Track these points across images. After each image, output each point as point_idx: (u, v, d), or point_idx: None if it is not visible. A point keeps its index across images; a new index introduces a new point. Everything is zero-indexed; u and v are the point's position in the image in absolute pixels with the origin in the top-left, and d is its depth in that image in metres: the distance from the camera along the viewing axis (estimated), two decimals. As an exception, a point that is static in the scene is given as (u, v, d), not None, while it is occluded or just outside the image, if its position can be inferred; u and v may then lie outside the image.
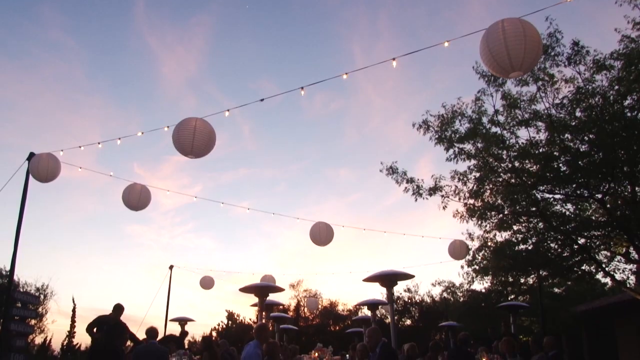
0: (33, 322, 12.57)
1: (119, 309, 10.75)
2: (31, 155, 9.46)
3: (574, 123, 10.69)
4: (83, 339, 22.07)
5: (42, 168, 9.31)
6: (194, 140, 7.83)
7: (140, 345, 10.47)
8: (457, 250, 12.90)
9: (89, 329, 10.49)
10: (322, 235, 12.11)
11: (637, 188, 10.98)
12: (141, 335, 12.64)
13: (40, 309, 20.41)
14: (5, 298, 9.29)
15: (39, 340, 19.31)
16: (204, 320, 47.11)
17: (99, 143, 10.05)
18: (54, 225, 40.13)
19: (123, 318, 10.84)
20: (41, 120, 32.24)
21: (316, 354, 8.02)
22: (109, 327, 10.20)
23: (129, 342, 11.72)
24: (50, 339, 19.46)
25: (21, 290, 17.55)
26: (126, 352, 10.78)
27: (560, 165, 11.03)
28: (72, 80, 29.70)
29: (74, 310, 21.71)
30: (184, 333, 13.08)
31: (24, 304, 9.28)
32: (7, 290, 9.46)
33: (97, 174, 17.96)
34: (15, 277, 15.76)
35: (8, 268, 9.53)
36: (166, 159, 35.26)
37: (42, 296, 21.25)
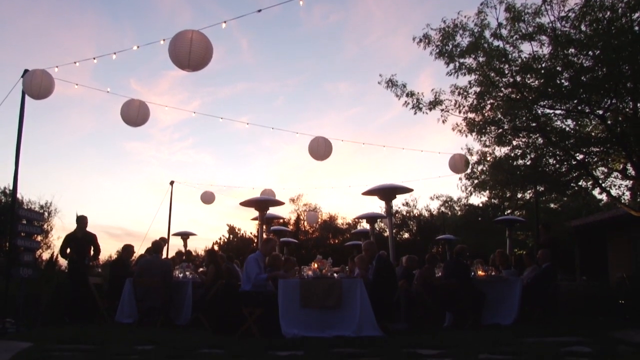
0: (39, 238, 12.81)
1: (81, 220, 10.55)
2: (26, 72, 9.30)
3: (578, 37, 10.42)
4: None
5: (35, 84, 9.17)
6: (190, 53, 7.71)
7: (144, 259, 10.77)
8: (458, 164, 12.90)
9: (62, 251, 10.44)
10: (320, 149, 12.10)
11: (639, 104, 10.88)
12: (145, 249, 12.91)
13: (45, 226, 20.79)
14: (10, 214, 9.44)
15: (46, 255, 19.81)
16: (206, 234, 48.29)
17: (94, 58, 9.86)
18: (54, 144, 40.17)
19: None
20: (35, 37, 31.47)
21: (316, 266, 8.24)
22: (77, 241, 10.22)
23: (134, 257, 12.03)
24: (57, 255, 19.98)
25: (25, 207, 17.81)
26: (131, 266, 11.08)
27: (563, 80, 10.87)
28: (62, -7, 28.65)
29: (78, 227, 22.14)
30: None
31: (29, 221, 9.43)
32: (11, 207, 9.60)
33: (94, 90, 17.77)
34: (19, 196, 15.95)
35: (11, 187, 9.60)
36: (163, 74, 34.77)
37: (46, 214, 21.58)
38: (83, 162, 43.44)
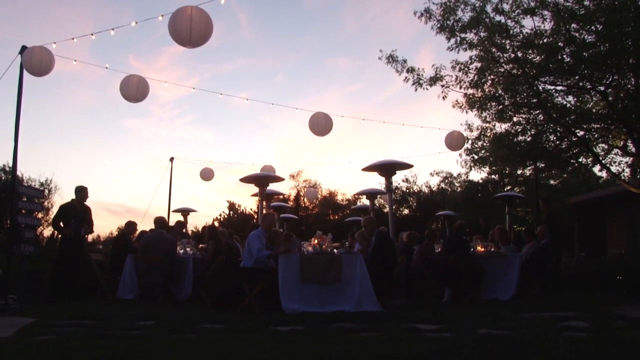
0: (40, 215, 12.79)
1: (80, 191, 9.97)
2: (23, 48, 9.20)
3: (581, 12, 10.31)
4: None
5: (35, 61, 9.10)
6: (191, 30, 7.66)
7: (148, 234, 10.80)
8: (454, 141, 12.85)
9: (54, 223, 9.94)
10: (321, 125, 12.03)
11: (640, 80, 10.83)
12: (145, 226, 12.90)
13: (46, 203, 20.87)
14: (11, 192, 9.43)
15: (47, 232, 19.89)
16: (206, 210, 48.49)
17: (92, 34, 9.78)
18: (53, 121, 40.11)
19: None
20: (32, 13, 31.17)
21: (316, 241, 8.26)
22: (76, 213, 9.73)
23: (138, 232, 12.04)
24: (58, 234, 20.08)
25: (25, 185, 17.82)
26: (133, 241, 11.12)
27: (564, 56, 10.79)
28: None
29: (78, 204, 22.26)
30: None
31: (29, 198, 9.40)
32: (11, 185, 9.59)
33: (92, 67, 17.68)
34: (19, 173, 15.91)
35: (11, 164, 9.57)
36: (162, 50, 34.51)
37: (46, 191, 21.64)
38: (82, 139, 43.47)
